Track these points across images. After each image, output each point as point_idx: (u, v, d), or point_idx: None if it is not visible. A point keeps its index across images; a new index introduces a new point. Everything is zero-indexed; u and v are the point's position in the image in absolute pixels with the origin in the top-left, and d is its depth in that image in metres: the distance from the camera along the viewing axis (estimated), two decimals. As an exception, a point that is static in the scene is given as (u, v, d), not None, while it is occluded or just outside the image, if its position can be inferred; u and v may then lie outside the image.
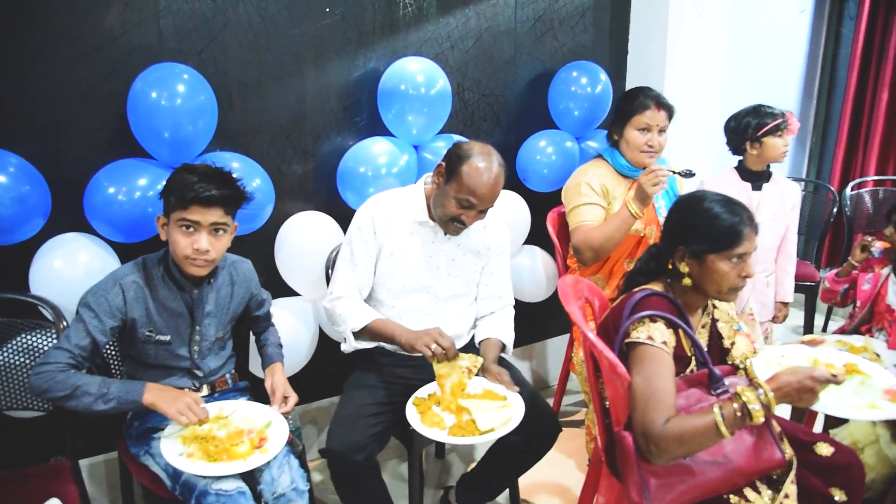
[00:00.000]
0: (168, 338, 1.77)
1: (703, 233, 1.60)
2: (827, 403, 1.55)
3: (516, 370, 2.11)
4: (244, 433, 1.67)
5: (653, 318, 1.54)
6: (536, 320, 3.12)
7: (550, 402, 3.02)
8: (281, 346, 2.05)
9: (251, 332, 2.08)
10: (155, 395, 1.63)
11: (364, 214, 2.03)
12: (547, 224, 2.70)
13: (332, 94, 2.40)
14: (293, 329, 2.29)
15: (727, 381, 1.55)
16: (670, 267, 1.66)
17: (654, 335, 1.52)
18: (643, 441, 1.44)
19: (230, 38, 2.17)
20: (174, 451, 1.61)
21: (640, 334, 1.53)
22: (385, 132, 2.43)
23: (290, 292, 2.39)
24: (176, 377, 1.83)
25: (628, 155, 2.44)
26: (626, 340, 1.55)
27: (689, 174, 2.31)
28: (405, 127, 2.39)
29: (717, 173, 2.78)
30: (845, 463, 1.70)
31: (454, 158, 1.89)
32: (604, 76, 2.76)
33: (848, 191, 3.86)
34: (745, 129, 2.59)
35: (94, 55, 1.99)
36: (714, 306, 1.76)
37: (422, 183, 2.05)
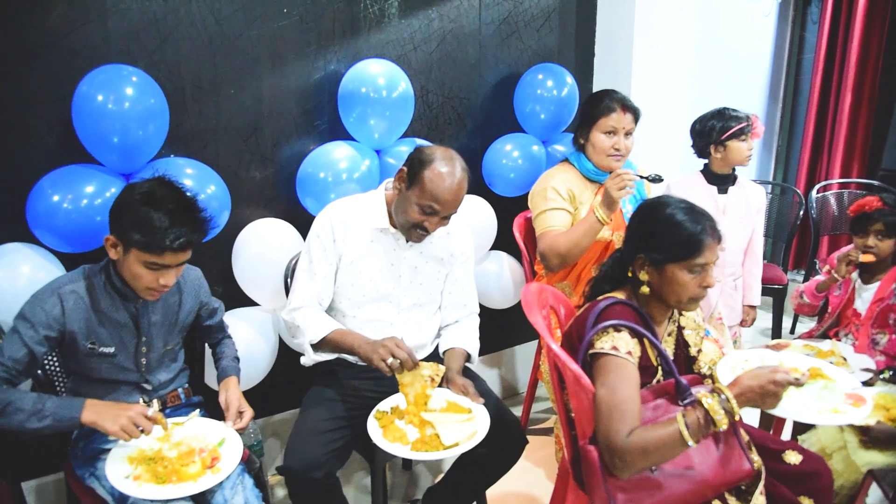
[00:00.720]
0: (112, 350, 1.68)
1: (662, 241, 1.56)
2: (789, 409, 1.51)
3: (481, 381, 2.06)
4: (195, 452, 1.59)
5: (617, 328, 1.50)
6: (504, 327, 3.07)
7: (520, 409, 2.99)
8: (237, 358, 1.97)
9: (207, 345, 2.00)
10: (95, 412, 1.53)
11: (323, 221, 1.96)
12: (514, 229, 2.66)
13: (291, 97, 2.33)
14: (252, 340, 2.21)
15: (694, 390, 1.52)
16: (630, 275, 1.63)
17: (619, 345, 1.48)
18: (607, 454, 1.40)
19: (182, 39, 2.09)
20: (120, 473, 1.52)
21: (604, 344, 1.49)
22: (346, 136, 2.37)
23: (249, 302, 2.32)
24: (124, 392, 1.74)
25: (595, 159, 2.40)
26: (591, 351, 1.51)
27: (657, 179, 2.28)
28: (367, 131, 2.33)
29: (684, 177, 2.77)
30: (814, 471, 1.69)
31: (416, 163, 1.84)
32: (570, 79, 2.73)
33: (814, 193, 3.88)
34: (710, 133, 2.58)
35: (36, 56, 1.89)
36: (680, 313, 1.73)
37: (383, 189, 2.00)
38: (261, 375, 2.28)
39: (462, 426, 1.74)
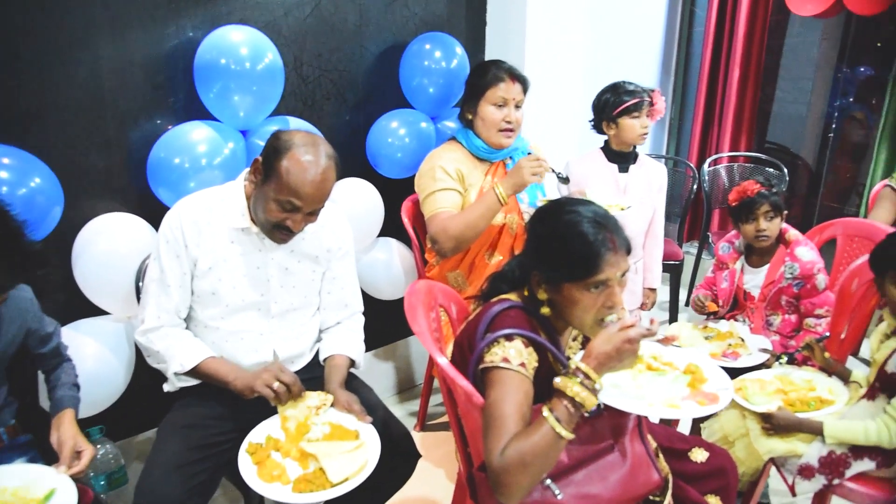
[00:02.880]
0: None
1: (555, 258, 1.35)
2: (621, 399, 1.34)
3: (367, 389, 1.84)
4: (14, 512, 1.30)
5: (509, 337, 1.32)
6: (396, 318, 2.83)
7: (416, 403, 2.82)
8: (77, 385, 1.65)
9: (40, 371, 1.68)
10: None
11: (172, 224, 1.67)
12: (402, 214, 2.44)
13: (137, 69, 2.00)
14: (102, 356, 1.91)
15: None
16: (526, 293, 1.44)
17: (510, 356, 1.30)
18: (490, 478, 1.23)
19: (-7, -1, 1.72)
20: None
21: (493, 357, 1.30)
22: (207, 115, 2.06)
23: (96, 311, 1.99)
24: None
25: (484, 134, 2.22)
26: (480, 366, 1.32)
27: (563, 178, 2.17)
28: (230, 109, 2.03)
29: (583, 154, 2.64)
30: (719, 467, 1.62)
31: (271, 151, 1.57)
32: (459, 49, 2.52)
33: (705, 167, 3.90)
34: (604, 108, 2.46)
35: None
36: None
37: (242, 180, 1.71)
38: (116, 394, 1.97)
39: (350, 457, 1.51)
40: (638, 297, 2.64)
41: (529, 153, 2.27)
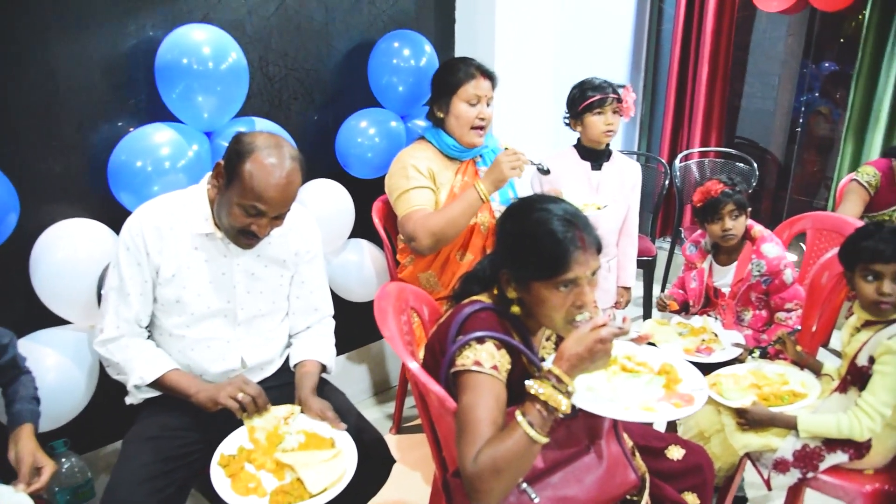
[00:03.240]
0: None
1: (523, 256, 1.32)
2: (596, 404, 1.31)
3: (339, 394, 1.81)
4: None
5: (480, 340, 1.29)
6: (369, 320, 2.78)
7: (391, 406, 2.79)
8: (37, 399, 1.59)
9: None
10: None
11: (133, 231, 1.61)
12: (373, 215, 2.41)
13: (95, 69, 1.93)
14: (64, 366, 1.84)
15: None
16: (496, 292, 1.42)
17: (482, 359, 1.27)
18: (466, 486, 1.20)
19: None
20: None
21: (465, 360, 1.28)
22: (170, 117, 2.00)
23: (57, 321, 1.92)
24: None
25: (457, 133, 2.20)
26: (452, 370, 1.29)
27: (544, 170, 2.14)
28: (194, 110, 1.98)
29: (557, 152, 2.62)
30: (695, 464, 1.62)
31: (233, 155, 1.53)
32: (428, 47, 2.49)
33: (677, 162, 3.92)
34: (571, 104, 2.44)
35: None
36: None
37: (205, 184, 1.66)
38: (79, 406, 1.91)
39: (328, 466, 1.48)
40: (612, 296, 2.63)
41: (506, 148, 2.25)
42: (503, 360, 1.30)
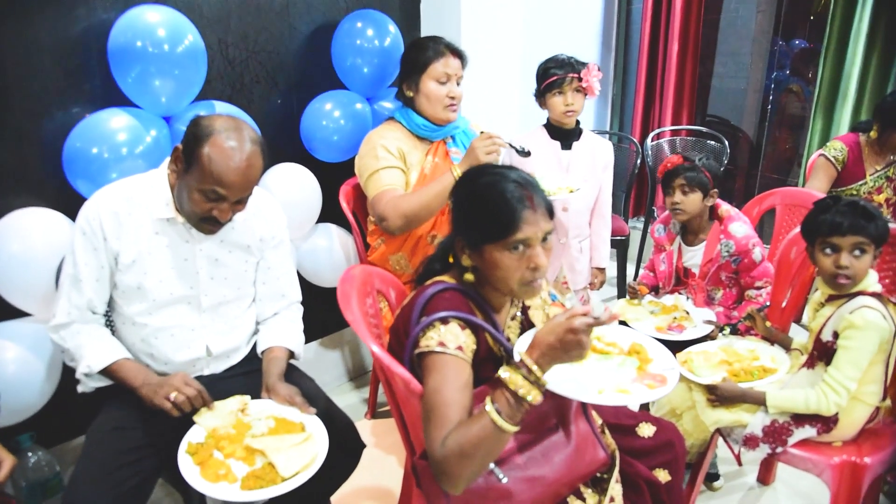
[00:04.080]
0: None
1: (474, 219, 1.32)
2: (571, 388, 1.28)
3: (308, 380, 1.78)
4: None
5: (444, 320, 1.28)
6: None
7: (366, 391, 2.78)
8: (-6, 392, 1.56)
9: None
10: None
11: (89, 216, 1.57)
12: (340, 199, 2.37)
13: (45, 53, 1.87)
14: (24, 359, 1.81)
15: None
16: (452, 261, 1.40)
17: (447, 340, 1.25)
18: (432, 468, 1.18)
19: None
20: None
21: (429, 342, 1.26)
22: (126, 102, 1.95)
23: (16, 313, 1.87)
24: None
25: (429, 111, 2.17)
26: (416, 351, 1.27)
27: (524, 153, 2.12)
28: (151, 95, 1.92)
29: (527, 132, 2.59)
30: (666, 441, 1.61)
31: (192, 139, 1.49)
32: (393, 27, 2.45)
33: (648, 141, 3.91)
34: (537, 82, 2.40)
35: None
36: None
37: (164, 167, 1.62)
38: (42, 399, 1.87)
39: (300, 450, 1.46)
40: (584, 277, 2.59)
41: (481, 132, 2.22)
42: (468, 340, 1.29)
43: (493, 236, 1.28)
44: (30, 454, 1.89)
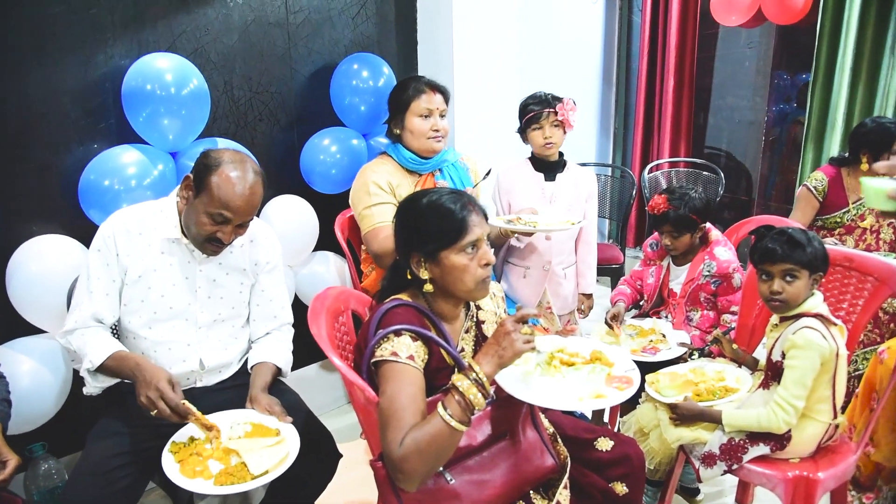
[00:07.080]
0: None
1: (428, 232, 1.49)
2: (550, 397, 1.44)
3: (291, 393, 1.92)
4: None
5: (397, 332, 1.42)
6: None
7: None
8: (8, 401, 1.71)
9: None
10: None
11: (105, 233, 1.76)
12: (336, 230, 2.54)
13: (67, 96, 2.09)
14: (38, 373, 1.98)
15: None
16: (410, 278, 1.55)
17: (399, 350, 1.39)
18: (390, 468, 1.31)
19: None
20: None
21: (384, 352, 1.40)
22: (137, 139, 2.15)
23: (32, 330, 2.06)
24: None
25: (415, 145, 2.33)
26: (372, 360, 1.41)
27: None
28: (159, 132, 2.12)
29: (512, 165, 2.72)
30: (623, 455, 1.67)
31: (201, 169, 1.69)
32: (386, 69, 2.63)
33: (646, 173, 4.03)
34: (519, 119, 2.54)
35: None
36: (478, 307, 1.67)
37: (174, 196, 1.82)
38: (52, 410, 2.04)
39: (271, 451, 1.60)
40: (569, 303, 2.67)
41: (464, 165, 2.33)
42: (419, 350, 1.43)
43: (448, 242, 1.46)
44: (41, 462, 2.05)
